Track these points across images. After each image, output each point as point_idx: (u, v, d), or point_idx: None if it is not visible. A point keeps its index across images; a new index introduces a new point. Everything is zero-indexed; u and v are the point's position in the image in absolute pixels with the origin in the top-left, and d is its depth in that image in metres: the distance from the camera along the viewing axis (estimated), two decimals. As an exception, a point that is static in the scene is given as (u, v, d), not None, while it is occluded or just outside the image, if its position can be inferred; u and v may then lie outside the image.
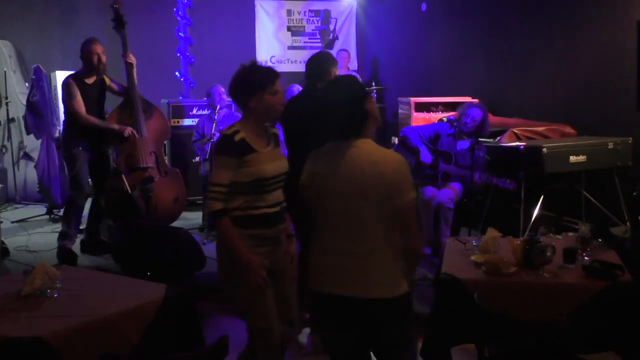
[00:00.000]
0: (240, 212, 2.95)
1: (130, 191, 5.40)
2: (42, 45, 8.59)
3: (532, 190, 5.35)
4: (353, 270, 2.53)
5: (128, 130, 5.46)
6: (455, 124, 5.36)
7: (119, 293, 3.04)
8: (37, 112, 7.29)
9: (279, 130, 5.13)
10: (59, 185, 7.17)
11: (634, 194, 4.60)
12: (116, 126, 5.48)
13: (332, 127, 2.61)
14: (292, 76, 8.69)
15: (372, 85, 8.89)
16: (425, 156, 5.45)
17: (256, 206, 2.97)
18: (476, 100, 6.67)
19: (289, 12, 10.06)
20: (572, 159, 5.27)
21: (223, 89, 6.55)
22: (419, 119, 7.24)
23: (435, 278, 4.01)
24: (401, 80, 9.21)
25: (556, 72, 6.60)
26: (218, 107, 6.53)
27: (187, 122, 7.49)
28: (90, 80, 5.45)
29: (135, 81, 5.58)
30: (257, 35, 9.89)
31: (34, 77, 7.36)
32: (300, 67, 9.80)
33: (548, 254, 3.17)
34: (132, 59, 5.59)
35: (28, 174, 7.90)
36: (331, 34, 10.25)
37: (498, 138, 5.93)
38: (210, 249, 4.81)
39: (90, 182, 5.67)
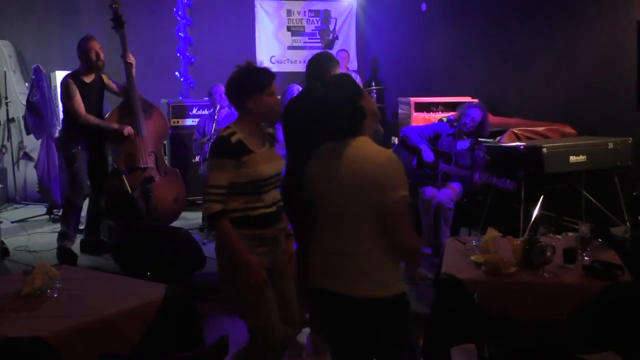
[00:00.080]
0: (239, 213, 2.96)
1: (130, 191, 5.40)
2: (42, 45, 8.59)
3: (532, 190, 5.35)
4: (352, 270, 2.52)
5: (128, 129, 5.46)
6: (455, 124, 5.35)
7: (119, 293, 3.04)
8: (37, 112, 7.29)
9: (278, 130, 5.13)
10: (58, 185, 7.16)
11: (634, 194, 4.60)
12: (116, 125, 5.48)
13: (328, 127, 2.61)
14: (292, 76, 8.70)
15: (372, 85, 8.89)
16: (428, 155, 5.45)
17: (254, 207, 2.98)
18: (476, 101, 6.67)
19: (289, 12, 10.06)
20: (572, 159, 5.26)
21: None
22: (419, 119, 7.24)
23: (435, 278, 4.01)
24: (401, 80, 9.21)
25: (556, 72, 6.60)
26: (218, 106, 6.53)
27: (188, 122, 7.49)
28: (88, 79, 5.44)
29: (135, 81, 5.58)
30: (257, 35, 9.89)
31: (34, 77, 7.36)
32: (300, 67, 9.80)
33: (548, 254, 3.17)
34: (131, 59, 5.58)
35: (28, 174, 7.90)
36: (331, 34, 10.25)
37: (498, 138, 5.93)
38: (210, 249, 4.81)
39: (88, 182, 5.66)
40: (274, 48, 9.98)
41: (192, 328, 3.08)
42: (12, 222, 6.85)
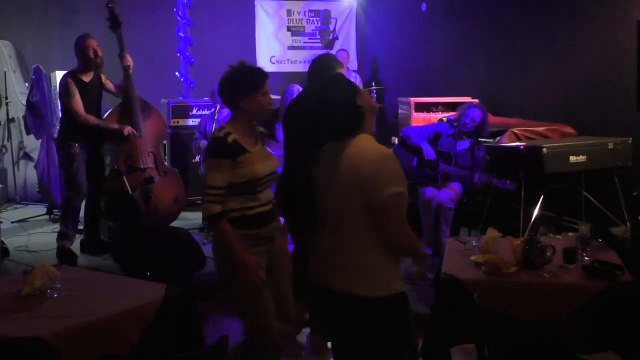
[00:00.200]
0: (236, 213, 2.98)
1: (131, 192, 5.40)
2: (42, 45, 8.58)
3: (532, 190, 5.35)
4: (352, 270, 2.53)
5: (128, 130, 5.45)
6: (455, 124, 5.35)
7: (119, 293, 3.05)
8: (37, 112, 7.29)
9: (278, 130, 5.14)
10: (58, 185, 7.16)
11: (634, 194, 4.60)
12: (116, 126, 5.47)
13: (328, 127, 2.61)
14: (292, 76, 8.70)
15: (372, 85, 8.90)
16: (429, 153, 5.44)
17: (251, 206, 3.01)
18: (476, 101, 6.67)
19: (289, 12, 10.06)
20: (572, 159, 5.26)
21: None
22: (419, 119, 7.24)
23: (435, 278, 4.01)
24: (401, 80, 9.21)
25: (556, 72, 6.60)
26: (219, 106, 6.52)
27: (189, 122, 7.49)
28: (87, 78, 5.42)
29: (133, 81, 5.58)
30: (257, 35, 9.88)
31: (34, 77, 7.36)
32: (300, 67, 9.81)
33: (548, 254, 3.17)
34: (129, 60, 5.57)
35: (28, 174, 7.89)
36: (331, 34, 10.25)
37: (498, 138, 5.93)
38: (210, 249, 4.79)
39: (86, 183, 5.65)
40: (274, 48, 9.98)
41: (192, 328, 3.08)
42: (12, 222, 6.85)
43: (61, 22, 8.73)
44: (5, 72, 7.83)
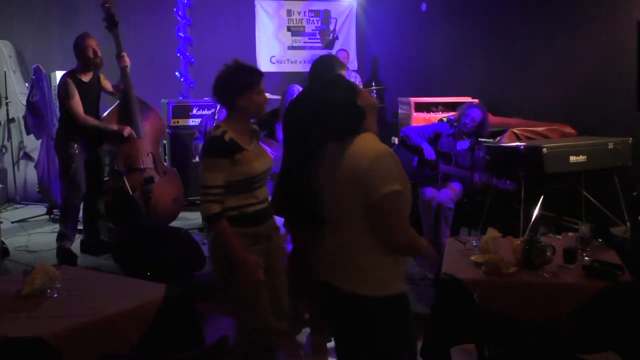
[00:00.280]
0: (235, 212, 2.99)
1: (131, 192, 5.39)
2: (42, 45, 8.59)
3: (532, 190, 5.35)
4: (352, 270, 2.52)
5: (128, 130, 5.45)
6: (455, 124, 5.35)
7: (119, 293, 3.05)
8: (37, 112, 7.29)
9: (278, 130, 5.14)
10: (58, 185, 7.14)
11: (634, 194, 4.60)
12: (115, 127, 5.47)
13: (329, 127, 2.60)
14: (292, 76, 8.69)
15: (372, 85, 8.90)
16: (429, 153, 5.44)
17: (249, 204, 3.02)
18: (476, 101, 6.67)
19: (289, 12, 10.06)
20: (572, 159, 5.27)
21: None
22: (419, 119, 7.23)
23: (435, 278, 4.00)
24: (401, 80, 9.21)
25: (556, 72, 6.60)
26: (219, 106, 6.52)
27: (188, 122, 7.49)
28: (86, 78, 5.41)
29: (131, 82, 5.58)
30: (257, 35, 9.88)
31: (34, 77, 7.36)
32: (300, 67, 9.80)
33: (548, 254, 3.17)
34: (126, 61, 5.56)
35: (28, 174, 7.89)
36: (331, 34, 10.25)
37: (498, 138, 5.93)
38: (210, 249, 4.81)
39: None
40: (274, 48, 9.98)
41: (192, 328, 3.08)
42: (12, 222, 6.85)
43: (61, 22, 8.73)
44: (5, 72, 7.83)
